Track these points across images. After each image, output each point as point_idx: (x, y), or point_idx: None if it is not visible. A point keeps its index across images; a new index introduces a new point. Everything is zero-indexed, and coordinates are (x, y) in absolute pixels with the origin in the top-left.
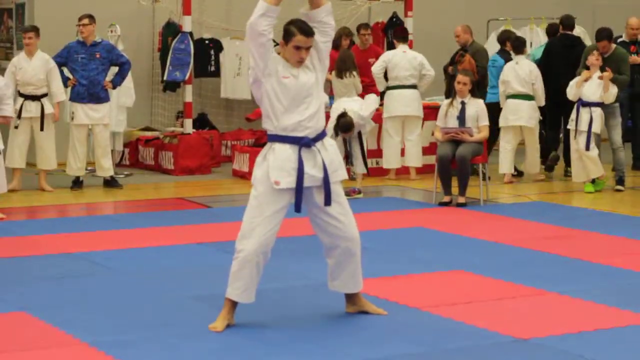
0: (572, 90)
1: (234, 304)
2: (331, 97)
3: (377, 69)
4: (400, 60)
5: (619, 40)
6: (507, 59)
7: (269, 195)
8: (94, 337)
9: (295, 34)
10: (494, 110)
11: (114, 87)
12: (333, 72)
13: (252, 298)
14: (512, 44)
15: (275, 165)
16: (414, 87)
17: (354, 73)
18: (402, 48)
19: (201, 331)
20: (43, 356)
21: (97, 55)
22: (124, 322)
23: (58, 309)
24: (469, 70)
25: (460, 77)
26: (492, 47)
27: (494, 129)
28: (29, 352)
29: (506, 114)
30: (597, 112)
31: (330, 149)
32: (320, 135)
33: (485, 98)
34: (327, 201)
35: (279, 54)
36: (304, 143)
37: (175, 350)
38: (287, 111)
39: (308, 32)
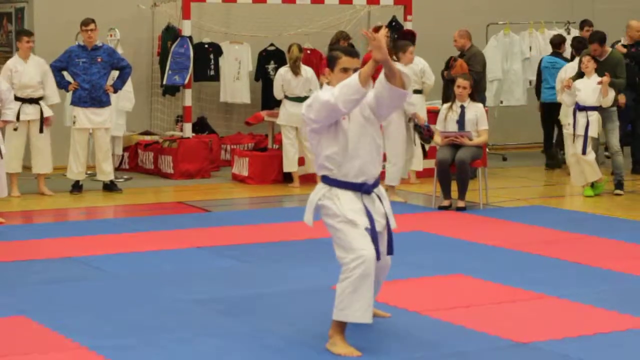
0: (564, 97)
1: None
2: None
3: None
4: (402, 66)
5: (619, 43)
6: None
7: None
8: (94, 341)
9: (340, 57)
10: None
11: (115, 91)
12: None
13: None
14: (574, 46)
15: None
16: (417, 92)
17: None
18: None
19: (200, 335)
20: None
21: (99, 59)
22: (124, 326)
23: (57, 312)
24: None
25: (460, 81)
26: (491, 51)
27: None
28: (28, 356)
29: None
30: (594, 116)
31: (385, 195)
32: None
33: (485, 102)
34: (390, 250)
35: (328, 83)
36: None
37: (175, 354)
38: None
39: (352, 53)
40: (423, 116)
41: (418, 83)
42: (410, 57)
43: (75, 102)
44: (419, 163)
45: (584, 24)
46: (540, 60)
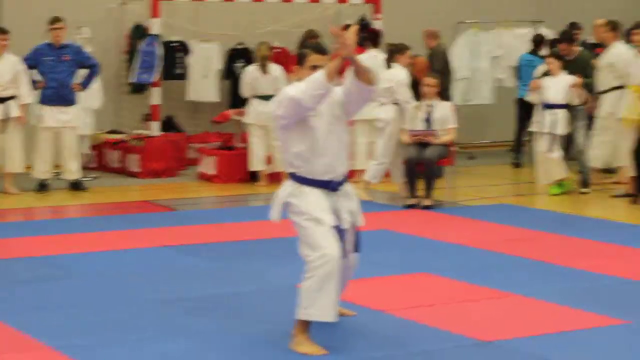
0: (532, 96)
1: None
2: None
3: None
4: (371, 65)
5: (585, 41)
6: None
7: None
8: (59, 341)
9: (309, 54)
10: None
11: (83, 89)
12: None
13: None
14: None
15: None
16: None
17: None
18: (372, 52)
19: (167, 334)
20: None
21: (66, 58)
22: (89, 325)
23: (22, 312)
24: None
25: (427, 80)
26: (459, 50)
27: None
28: None
29: None
30: (561, 114)
31: (353, 193)
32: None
33: (451, 100)
34: (357, 248)
35: (298, 80)
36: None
37: (141, 353)
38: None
39: (322, 50)
40: None
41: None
42: (407, 60)
43: (42, 101)
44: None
45: (573, 26)
46: (519, 58)
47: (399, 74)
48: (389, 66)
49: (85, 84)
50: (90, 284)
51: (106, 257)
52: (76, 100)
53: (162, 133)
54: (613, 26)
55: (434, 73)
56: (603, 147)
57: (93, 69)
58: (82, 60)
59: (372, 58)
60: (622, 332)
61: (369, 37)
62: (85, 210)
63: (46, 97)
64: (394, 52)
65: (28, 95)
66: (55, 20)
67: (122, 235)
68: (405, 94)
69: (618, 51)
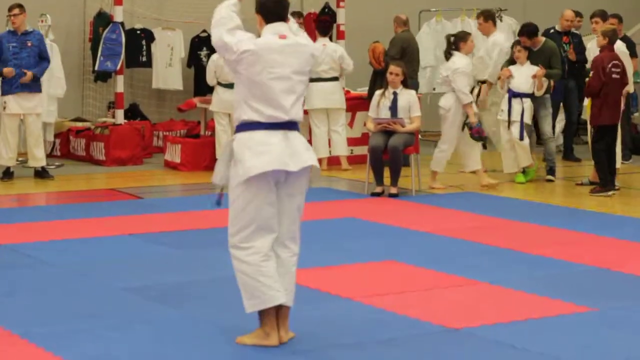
0: (499, 84)
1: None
2: None
3: None
4: (320, 54)
5: (551, 30)
6: None
7: None
8: (25, 328)
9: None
10: None
11: (34, 78)
12: None
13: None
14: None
15: None
16: (335, 79)
17: None
18: (321, 41)
19: (133, 322)
20: None
21: (29, 44)
22: (55, 313)
23: None
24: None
25: (392, 68)
26: (423, 38)
27: None
28: None
29: None
30: (527, 103)
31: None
32: None
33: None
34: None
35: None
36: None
37: (107, 342)
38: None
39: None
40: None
41: (336, 70)
42: (471, 46)
43: (6, 88)
44: None
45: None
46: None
47: (458, 62)
48: (449, 55)
49: (38, 73)
50: (55, 272)
51: (71, 245)
52: (39, 88)
53: (126, 121)
54: (486, 16)
55: (387, 59)
56: None
57: (44, 63)
58: (42, 49)
59: (321, 47)
60: (588, 319)
61: (318, 26)
62: (50, 198)
63: (9, 84)
64: (457, 40)
65: None
66: (12, 7)
67: (87, 224)
68: (461, 82)
69: (493, 40)
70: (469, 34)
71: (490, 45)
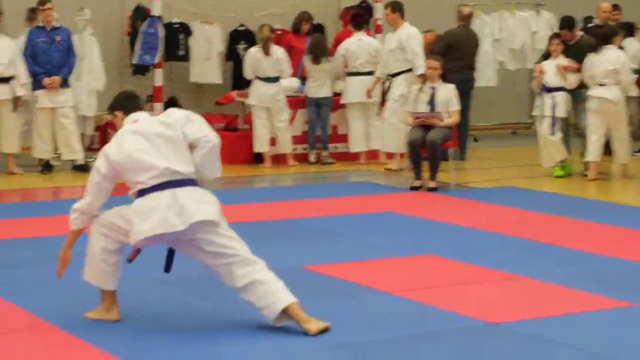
0: (534, 82)
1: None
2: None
3: (338, 61)
4: (356, 48)
5: (589, 24)
6: None
7: None
8: (63, 320)
9: None
10: None
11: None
12: (306, 57)
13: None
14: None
15: None
16: (371, 73)
17: (329, 58)
18: (358, 36)
19: (164, 314)
20: None
21: (58, 39)
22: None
23: (23, 291)
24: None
25: (430, 62)
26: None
27: None
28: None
29: None
30: (560, 96)
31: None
32: None
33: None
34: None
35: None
36: None
37: (147, 331)
38: None
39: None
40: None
41: (371, 63)
42: (619, 42)
43: (37, 84)
44: None
45: (615, 8)
46: None
47: (622, 56)
48: (598, 49)
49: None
50: None
51: None
52: (67, 84)
53: None
54: (394, 8)
55: (432, 54)
56: None
57: (72, 60)
58: (70, 45)
59: (358, 42)
60: (630, 315)
61: (352, 19)
62: None
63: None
64: (609, 35)
65: (25, 75)
66: (44, 1)
67: None
68: (628, 77)
69: (408, 32)
70: (622, 30)
71: (406, 38)
